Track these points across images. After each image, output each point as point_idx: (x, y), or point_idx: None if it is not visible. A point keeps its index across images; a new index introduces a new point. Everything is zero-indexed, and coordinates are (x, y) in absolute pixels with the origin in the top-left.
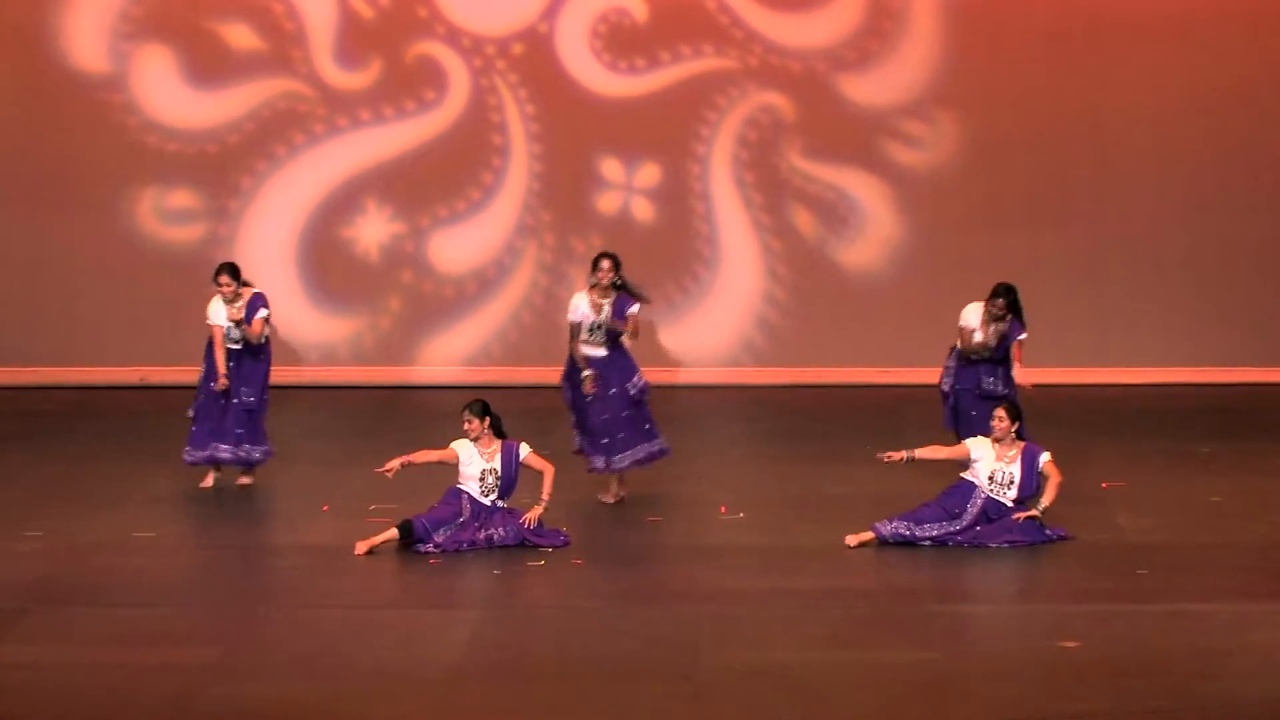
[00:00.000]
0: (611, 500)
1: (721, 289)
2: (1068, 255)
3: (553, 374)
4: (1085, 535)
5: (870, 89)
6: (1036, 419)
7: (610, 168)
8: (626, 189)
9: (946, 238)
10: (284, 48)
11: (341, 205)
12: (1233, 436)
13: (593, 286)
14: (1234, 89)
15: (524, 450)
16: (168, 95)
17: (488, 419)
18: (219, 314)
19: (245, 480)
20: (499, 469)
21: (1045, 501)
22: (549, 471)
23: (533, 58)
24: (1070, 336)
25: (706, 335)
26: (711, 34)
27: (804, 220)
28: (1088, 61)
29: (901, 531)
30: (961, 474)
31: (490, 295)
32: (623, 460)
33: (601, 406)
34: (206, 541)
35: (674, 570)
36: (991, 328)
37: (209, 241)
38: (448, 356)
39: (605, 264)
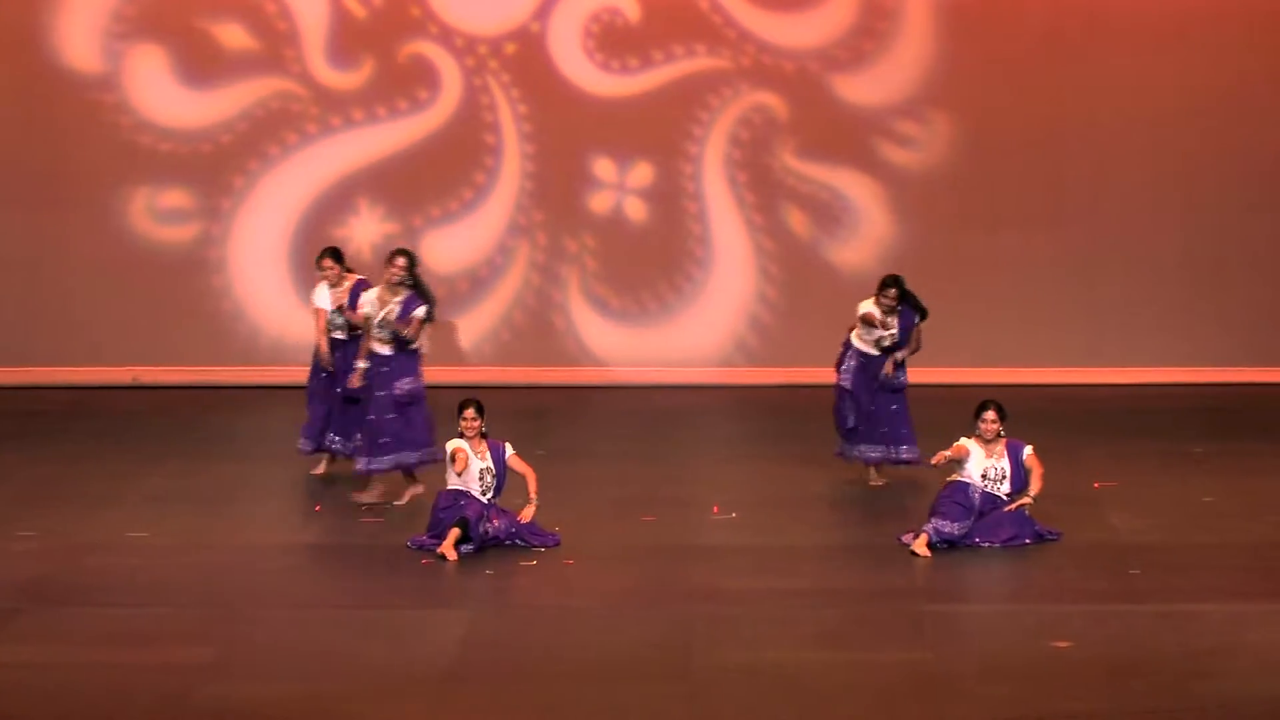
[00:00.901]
0: (369, 500)
1: (714, 289)
2: (1062, 255)
3: (547, 374)
4: (1078, 535)
5: (863, 89)
6: (1032, 419)
7: (603, 167)
8: (619, 189)
9: (940, 238)
10: (277, 47)
11: (334, 204)
12: (1226, 436)
13: (384, 282)
14: (1229, 89)
15: (508, 450)
16: (161, 95)
17: (483, 418)
18: (323, 298)
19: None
20: (493, 467)
21: (1033, 491)
22: (532, 473)
23: (525, 57)
24: (1064, 336)
25: (699, 335)
26: (704, 33)
27: (797, 220)
28: (1082, 61)
29: (944, 530)
30: (950, 476)
31: (482, 294)
32: (380, 463)
33: (371, 407)
34: (200, 541)
35: (667, 570)
36: (890, 319)
37: (202, 241)
38: (440, 356)
39: (400, 260)
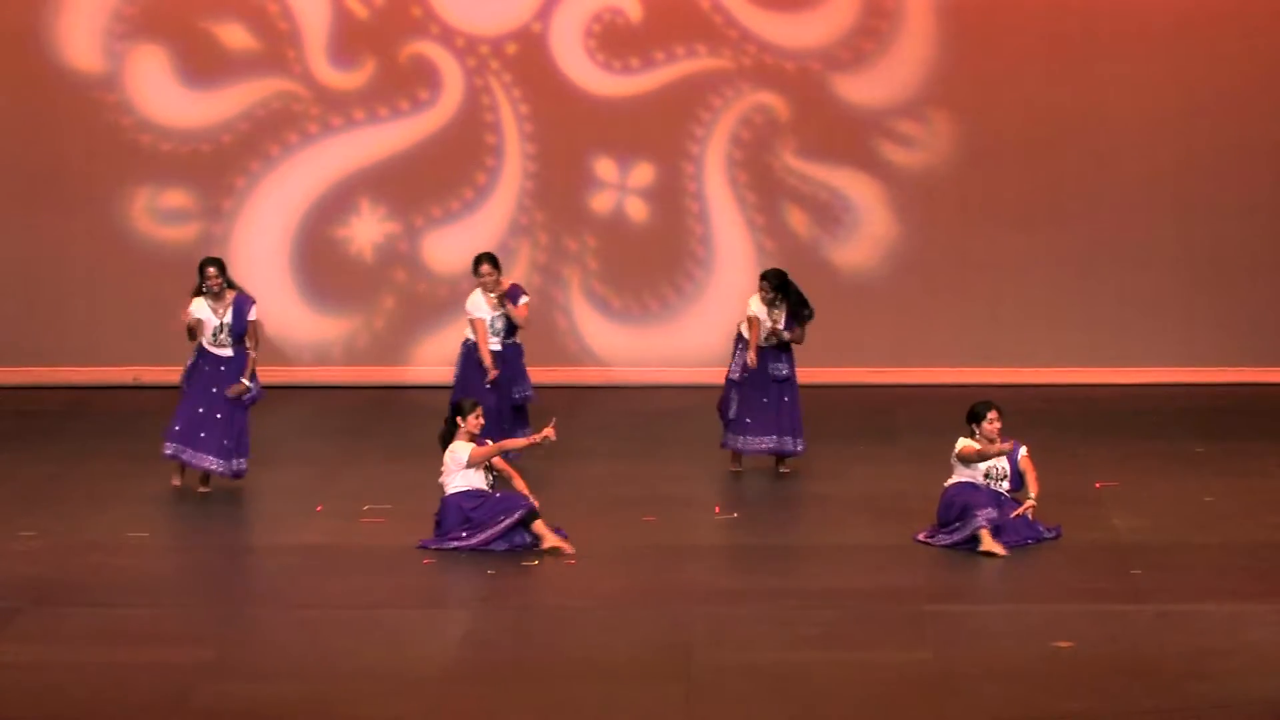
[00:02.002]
0: (176, 484)
1: (715, 289)
2: (1061, 255)
3: (548, 373)
4: (1079, 535)
5: (864, 89)
6: (1032, 419)
7: (604, 167)
8: (620, 189)
9: (940, 238)
10: (278, 47)
11: (335, 205)
12: (1226, 436)
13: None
14: (1228, 89)
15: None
16: (162, 95)
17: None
18: (481, 306)
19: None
20: (491, 465)
21: (1034, 493)
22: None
23: (527, 57)
24: (1064, 336)
25: (700, 335)
26: (705, 33)
27: (798, 220)
28: (1082, 61)
29: (992, 517)
30: (950, 480)
31: None
32: (195, 459)
33: (205, 400)
34: (199, 541)
35: (667, 570)
36: (774, 312)
37: (203, 241)
38: (441, 356)
39: (210, 270)
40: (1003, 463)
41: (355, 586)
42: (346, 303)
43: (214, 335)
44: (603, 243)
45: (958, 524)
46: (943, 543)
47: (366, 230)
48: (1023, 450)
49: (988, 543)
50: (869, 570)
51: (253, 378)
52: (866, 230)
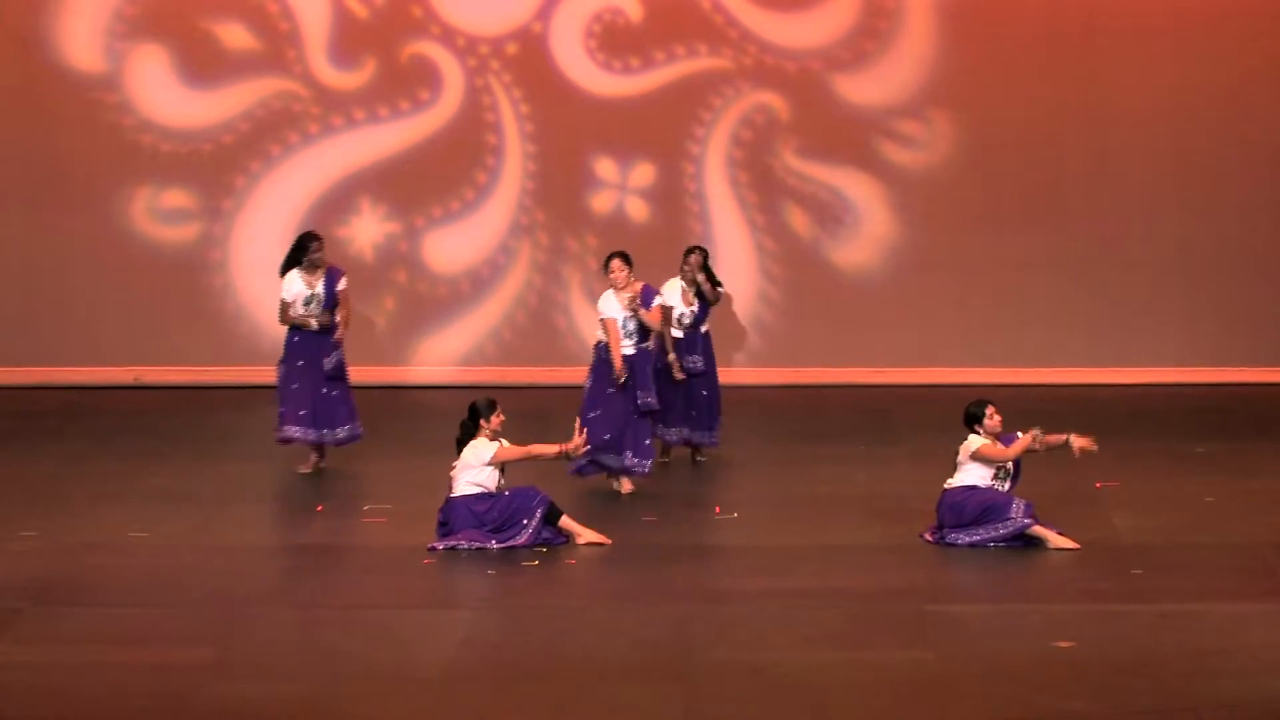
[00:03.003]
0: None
1: None
2: (1062, 255)
3: (548, 374)
4: (1079, 535)
5: (865, 89)
6: (1032, 419)
7: (605, 167)
8: (621, 189)
9: (941, 237)
10: (279, 47)
11: (336, 205)
12: (1227, 436)
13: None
14: (1228, 89)
15: (503, 443)
16: (162, 95)
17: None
18: (613, 306)
19: (629, 487)
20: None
21: (1075, 441)
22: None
23: (527, 57)
24: (1064, 336)
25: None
26: (706, 33)
27: (798, 220)
28: (1082, 61)
29: (1032, 508)
30: (949, 483)
31: (484, 295)
32: (313, 436)
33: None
34: (201, 541)
35: (668, 570)
36: (690, 294)
37: (204, 241)
38: (442, 356)
39: (313, 244)
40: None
41: (355, 587)
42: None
43: (305, 305)
44: (603, 243)
45: (989, 524)
46: (963, 541)
47: (367, 230)
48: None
49: (1055, 539)
50: (869, 570)
51: (338, 347)
52: (867, 230)
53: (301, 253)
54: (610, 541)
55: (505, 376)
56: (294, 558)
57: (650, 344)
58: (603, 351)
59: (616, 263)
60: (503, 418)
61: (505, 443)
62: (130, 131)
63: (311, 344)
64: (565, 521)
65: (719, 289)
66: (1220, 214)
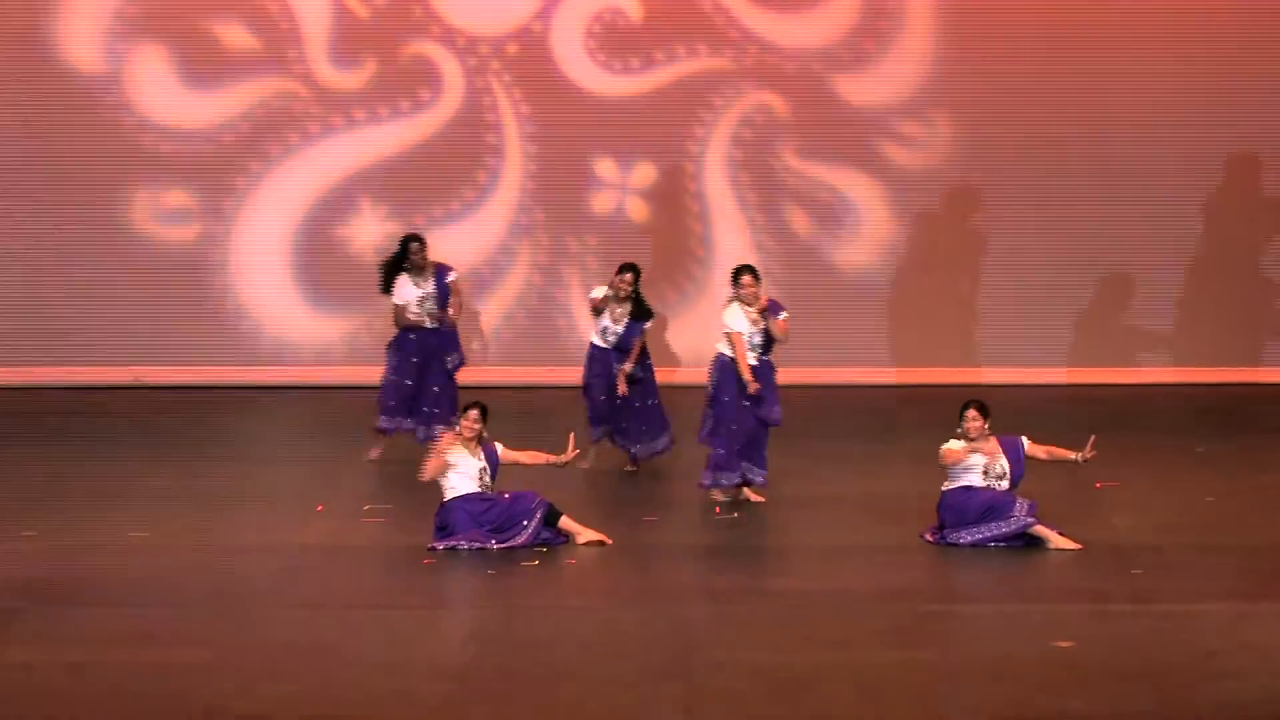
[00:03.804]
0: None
1: (716, 288)
2: (1062, 255)
3: (549, 374)
4: (1080, 535)
5: (865, 89)
6: (1032, 419)
7: (605, 167)
8: (621, 188)
9: (941, 237)
10: (279, 47)
11: (336, 205)
12: (1228, 436)
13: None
14: (1229, 88)
15: (500, 448)
16: (163, 95)
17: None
18: (740, 319)
19: (757, 497)
20: (487, 466)
21: (1074, 455)
22: (530, 454)
23: (527, 57)
24: (1064, 336)
25: (701, 335)
26: (706, 33)
27: (798, 220)
28: (1082, 61)
29: (1035, 506)
30: (946, 485)
31: (485, 294)
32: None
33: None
34: (201, 541)
35: (668, 570)
36: (620, 309)
37: (204, 241)
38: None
39: (413, 245)
40: (1002, 461)
41: (355, 586)
42: (347, 303)
43: (419, 306)
44: (603, 243)
45: (992, 522)
46: (965, 540)
47: (367, 230)
48: (1025, 441)
49: (1056, 540)
50: (869, 570)
51: (456, 343)
52: (867, 230)
53: (403, 256)
54: (610, 541)
55: (505, 376)
56: (294, 558)
57: (771, 356)
58: (727, 364)
59: (748, 278)
60: (475, 425)
61: (501, 446)
62: (131, 131)
63: (429, 341)
64: (565, 522)
65: (639, 321)
66: (1220, 214)
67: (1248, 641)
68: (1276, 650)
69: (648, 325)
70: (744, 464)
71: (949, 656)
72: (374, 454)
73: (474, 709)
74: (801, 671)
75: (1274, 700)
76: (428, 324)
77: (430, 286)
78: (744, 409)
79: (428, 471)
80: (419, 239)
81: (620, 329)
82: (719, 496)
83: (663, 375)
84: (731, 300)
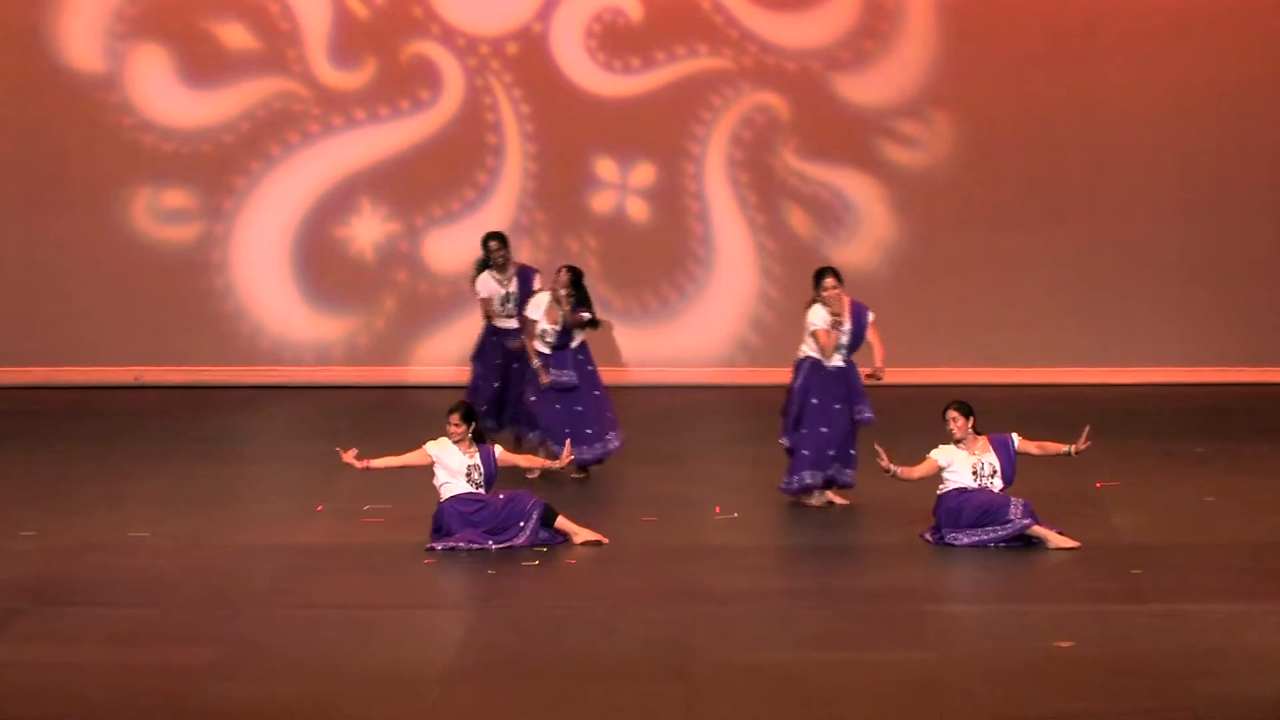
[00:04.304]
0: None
1: (716, 289)
2: (1062, 255)
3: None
4: (1079, 535)
5: (865, 89)
6: (1032, 419)
7: (605, 167)
8: (621, 188)
9: (941, 238)
10: (279, 47)
11: (336, 205)
12: (1227, 436)
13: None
14: (1229, 89)
15: (498, 450)
16: (163, 95)
17: (472, 424)
18: (822, 318)
19: (842, 500)
20: (480, 465)
21: (1080, 444)
22: (527, 457)
23: (527, 57)
24: (1064, 336)
25: (701, 335)
26: (706, 33)
27: (799, 220)
28: (1083, 61)
29: (1031, 505)
30: (940, 488)
31: None
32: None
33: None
34: (201, 541)
35: (668, 570)
36: (557, 311)
37: (204, 241)
38: (442, 356)
39: (492, 244)
40: (988, 457)
41: (355, 586)
42: (347, 303)
43: (500, 305)
44: (603, 243)
45: (988, 525)
46: (963, 542)
47: (367, 230)
48: (1016, 438)
49: (1055, 539)
50: (869, 570)
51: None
52: (867, 230)
53: (485, 253)
54: (607, 540)
55: None
56: (294, 558)
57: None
58: (812, 366)
59: (831, 280)
60: (459, 427)
61: (500, 448)
62: (130, 131)
63: (508, 339)
64: (562, 522)
65: (584, 315)
66: (1220, 214)
67: (1246, 641)
68: (1275, 649)
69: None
70: (835, 465)
71: (949, 656)
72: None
73: (473, 709)
74: (801, 671)
75: (1272, 699)
76: (510, 324)
77: (512, 286)
78: (835, 411)
79: (398, 460)
80: (497, 236)
81: (558, 325)
82: (808, 501)
83: (663, 376)
84: (814, 301)
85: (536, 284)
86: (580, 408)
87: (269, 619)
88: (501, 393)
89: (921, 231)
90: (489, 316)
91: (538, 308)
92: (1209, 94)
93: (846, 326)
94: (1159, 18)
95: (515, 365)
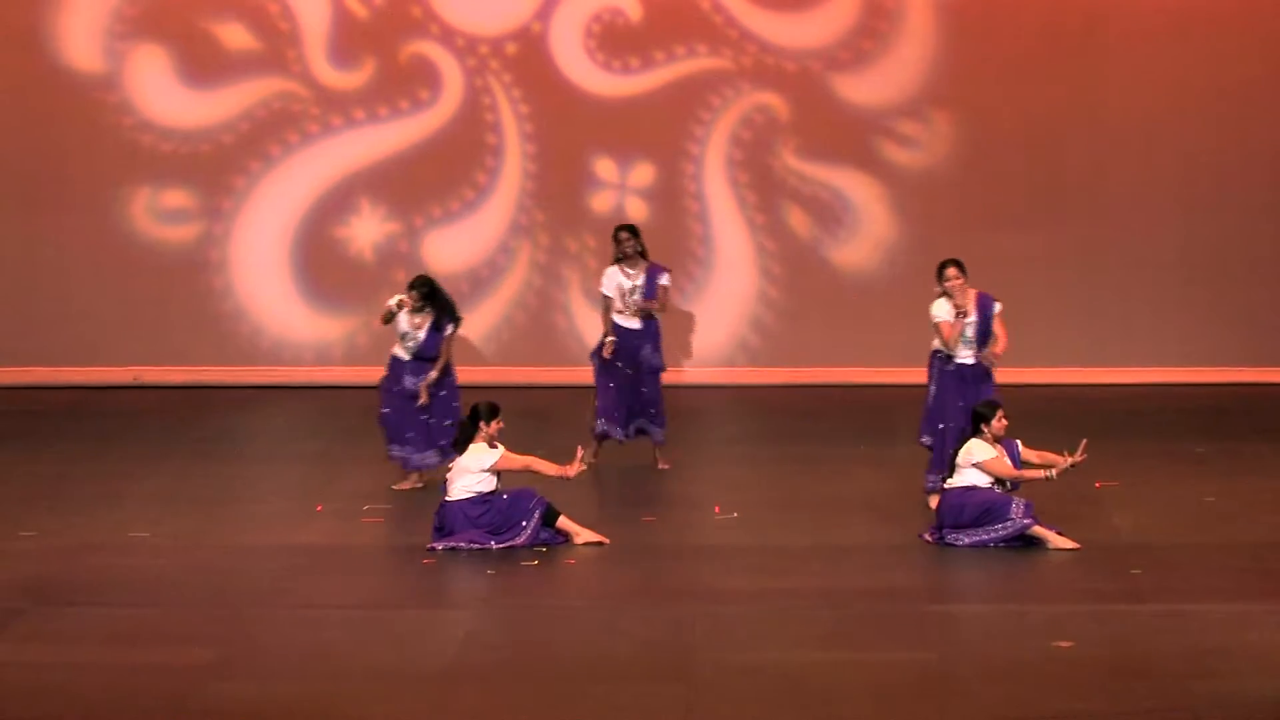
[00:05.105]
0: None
1: (716, 289)
2: (1061, 255)
3: (548, 374)
4: (1079, 535)
5: (865, 89)
6: (1032, 419)
7: (604, 167)
8: (620, 188)
9: (941, 237)
10: (278, 47)
11: (335, 205)
12: (1226, 436)
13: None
14: (1229, 89)
15: (501, 450)
16: (162, 95)
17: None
18: (945, 310)
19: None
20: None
21: (1077, 457)
22: (536, 461)
23: (527, 57)
24: (1064, 336)
25: (701, 335)
26: (706, 33)
27: (798, 220)
28: (1082, 60)
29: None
30: (954, 482)
31: (484, 295)
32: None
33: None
34: (201, 541)
35: (668, 570)
36: (417, 318)
37: (204, 241)
38: None
39: (622, 235)
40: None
41: (355, 586)
42: (347, 303)
43: (627, 297)
44: (603, 243)
45: (988, 525)
46: (963, 542)
47: (367, 230)
48: (1019, 445)
49: (1055, 540)
50: (869, 570)
51: (657, 343)
52: (867, 230)
53: (616, 245)
54: (608, 540)
55: (505, 376)
56: (294, 558)
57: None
58: (940, 362)
59: (953, 270)
60: (502, 424)
61: (505, 450)
62: (130, 131)
63: (631, 342)
64: (563, 522)
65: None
66: (1220, 214)
67: (1246, 641)
68: (1275, 649)
69: (449, 331)
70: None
71: (949, 656)
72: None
73: (473, 709)
74: (801, 671)
75: (1272, 699)
76: (634, 324)
77: (640, 279)
78: (959, 409)
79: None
80: (628, 228)
81: (421, 335)
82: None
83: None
84: (940, 295)
85: (663, 280)
86: (424, 416)
87: (269, 619)
88: (632, 396)
89: (921, 231)
90: (605, 320)
91: (403, 315)
92: (1209, 94)
93: (972, 319)
94: (1159, 18)
95: (622, 364)
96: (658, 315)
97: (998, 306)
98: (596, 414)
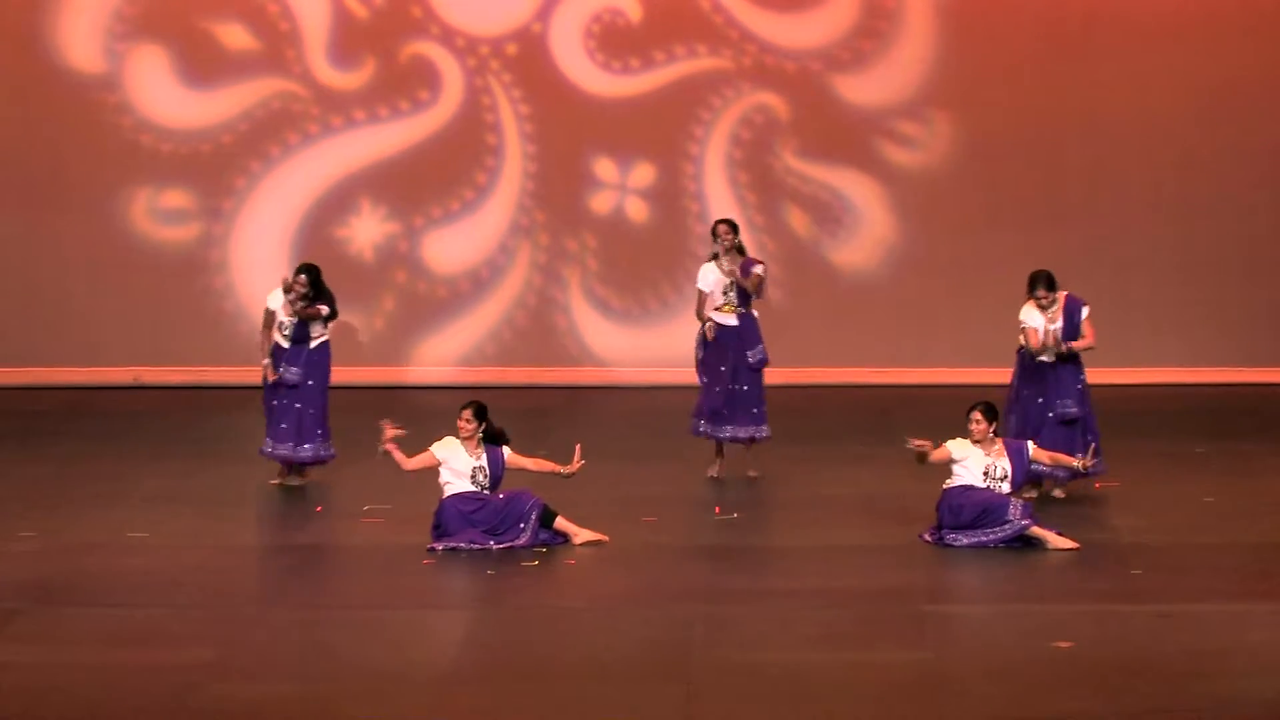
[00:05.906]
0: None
1: None
2: (1061, 255)
3: (548, 374)
4: (1079, 535)
5: (865, 89)
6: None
7: (604, 167)
8: (621, 189)
9: (940, 238)
10: (278, 47)
11: (335, 205)
12: (1226, 437)
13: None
14: (1228, 89)
15: (507, 452)
16: (162, 95)
17: (483, 424)
18: (1036, 317)
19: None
20: (486, 467)
21: (1088, 460)
22: (538, 463)
23: (527, 58)
24: None
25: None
26: (705, 34)
27: (798, 220)
28: (1081, 61)
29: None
30: (946, 483)
31: (484, 295)
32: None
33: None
34: (200, 541)
35: (668, 570)
36: (295, 308)
37: (203, 241)
38: (441, 357)
39: (721, 228)
40: (1002, 462)
41: (355, 586)
42: (346, 303)
43: (724, 293)
44: (603, 243)
45: (987, 526)
46: (962, 543)
47: (366, 230)
48: (1030, 447)
49: (1054, 540)
50: (869, 570)
51: (757, 336)
52: (866, 230)
53: (715, 238)
54: (608, 539)
55: (505, 377)
56: (294, 558)
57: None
58: (1025, 359)
59: (1042, 291)
60: (470, 423)
61: (509, 451)
62: (130, 131)
63: (731, 336)
64: (561, 523)
65: (322, 309)
66: (1220, 214)
67: (1246, 641)
68: (1275, 649)
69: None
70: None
71: (949, 656)
72: (714, 472)
73: (473, 709)
74: (801, 671)
75: (1272, 699)
76: (730, 320)
77: (737, 273)
78: (1038, 405)
79: (408, 463)
80: (726, 221)
81: (294, 320)
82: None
83: (663, 376)
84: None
85: (759, 270)
86: (299, 405)
87: (269, 619)
88: (732, 394)
89: (921, 231)
90: (701, 314)
91: (276, 299)
92: (1209, 94)
93: (1058, 325)
94: (1158, 18)
95: (723, 367)
96: (755, 296)
97: (1085, 310)
98: (695, 413)
